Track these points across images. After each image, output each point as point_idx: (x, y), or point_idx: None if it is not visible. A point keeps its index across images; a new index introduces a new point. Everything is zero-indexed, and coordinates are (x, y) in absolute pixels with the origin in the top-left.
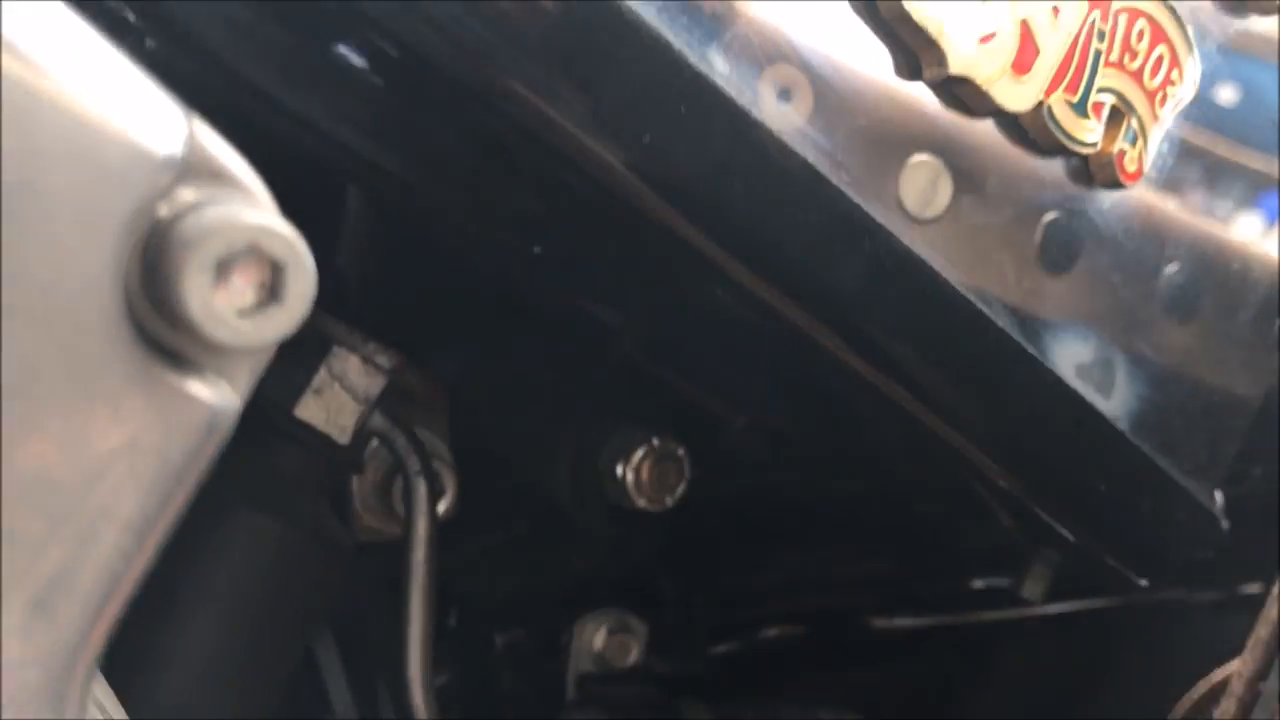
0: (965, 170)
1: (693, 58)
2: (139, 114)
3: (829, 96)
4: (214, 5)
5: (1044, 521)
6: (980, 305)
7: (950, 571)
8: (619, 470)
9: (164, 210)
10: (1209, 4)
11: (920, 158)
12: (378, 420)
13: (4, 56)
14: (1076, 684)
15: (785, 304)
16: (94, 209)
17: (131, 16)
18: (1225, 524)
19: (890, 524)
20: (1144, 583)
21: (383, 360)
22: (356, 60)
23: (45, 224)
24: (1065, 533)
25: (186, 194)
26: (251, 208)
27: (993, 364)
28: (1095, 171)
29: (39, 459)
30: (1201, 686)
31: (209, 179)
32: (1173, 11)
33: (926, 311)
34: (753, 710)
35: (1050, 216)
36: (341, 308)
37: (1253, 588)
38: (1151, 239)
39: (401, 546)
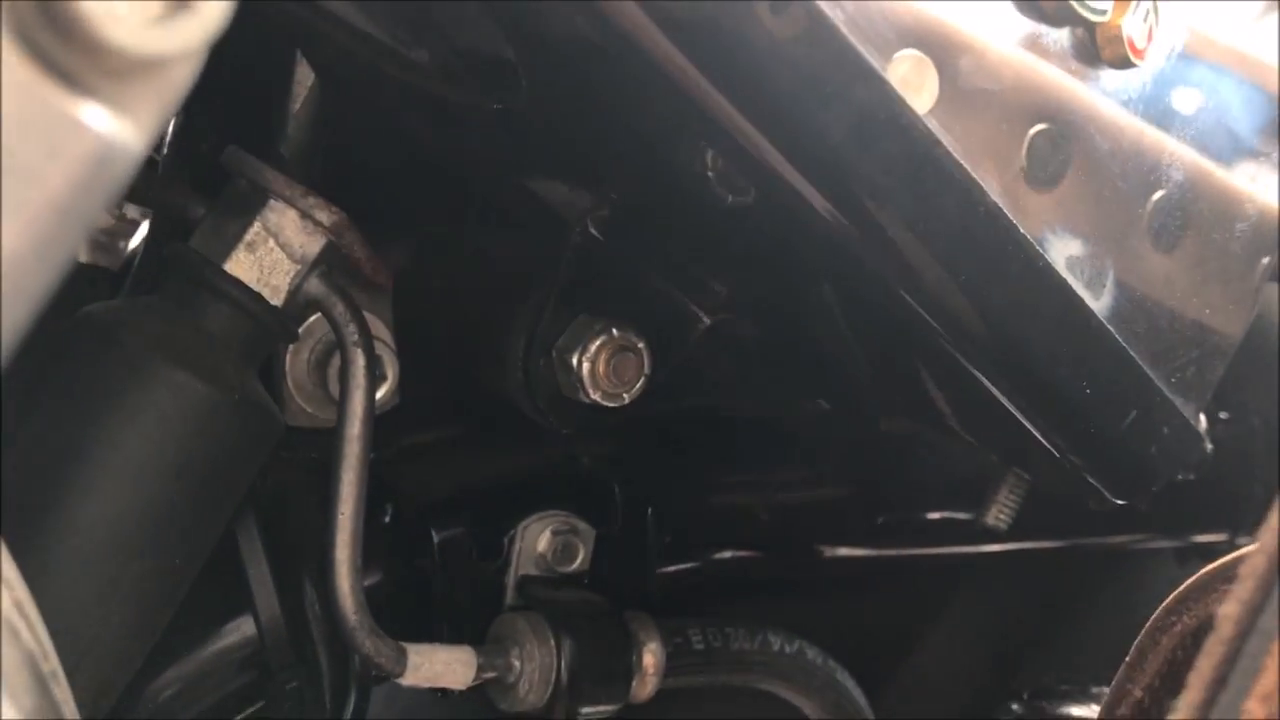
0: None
1: None
2: None
3: None
4: None
5: (1021, 432)
6: (974, 175)
7: (910, 503)
8: (574, 360)
9: None
10: None
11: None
12: (314, 284)
13: None
14: (1034, 626)
15: (764, 158)
16: None
17: None
18: (1209, 446)
19: (853, 447)
20: (1120, 502)
21: (322, 216)
22: None
23: None
24: (1046, 441)
25: None
26: None
27: (980, 239)
28: (1103, 44)
29: None
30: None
31: None
32: None
33: (914, 174)
34: (699, 625)
35: (1039, 128)
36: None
37: (1216, 537)
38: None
39: (335, 425)
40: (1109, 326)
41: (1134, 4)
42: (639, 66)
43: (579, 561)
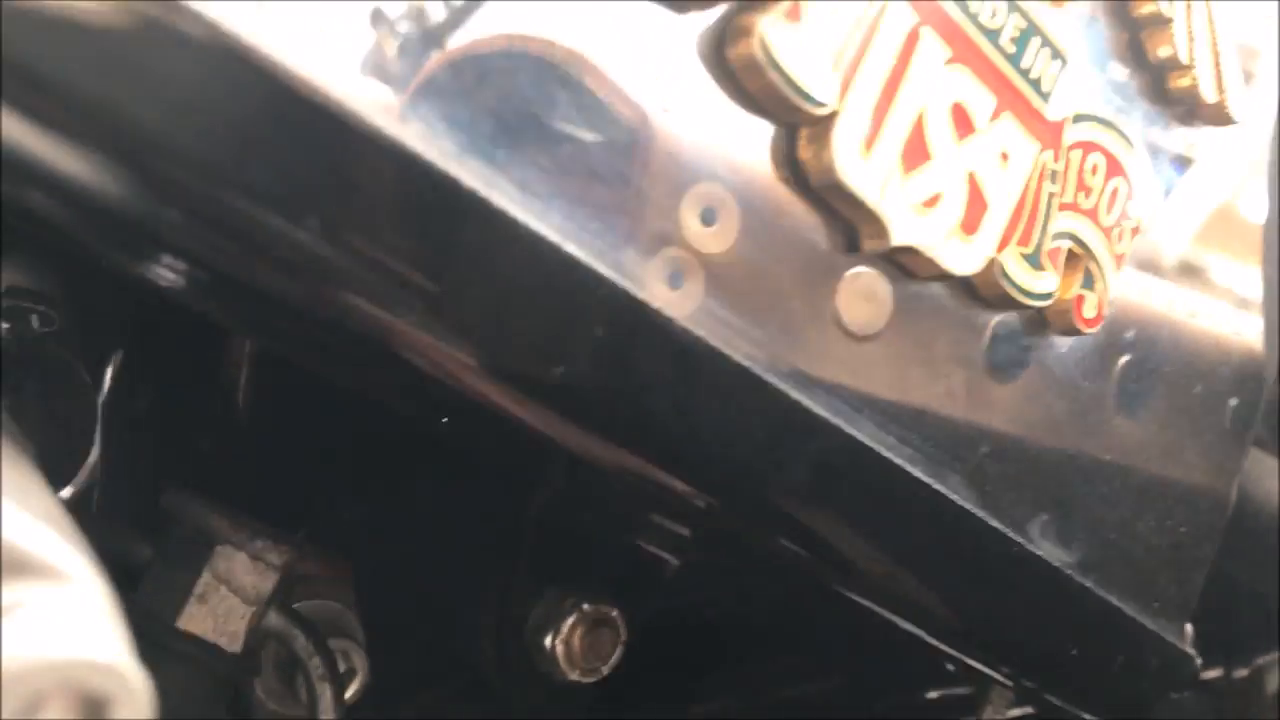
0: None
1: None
2: None
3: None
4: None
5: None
6: (921, 475)
7: (902, 685)
8: (548, 642)
9: None
10: (1160, 118)
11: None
12: (272, 619)
13: None
14: None
15: (695, 496)
16: None
17: None
18: (1199, 661)
19: (836, 643)
20: None
21: (273, 557)
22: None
23: None
24: (1039, 696)
25: None
26: (66, 619)
27: (941, 534)
28: (1052, 319)
29: None
30: None
31: (14, 573)
32: (1125, 138)
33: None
34: None
35: (998, 319)
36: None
37: (1213, 673)
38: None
39: None
40: (1086, 584)
41: (1080, 274)
42: None
43: None
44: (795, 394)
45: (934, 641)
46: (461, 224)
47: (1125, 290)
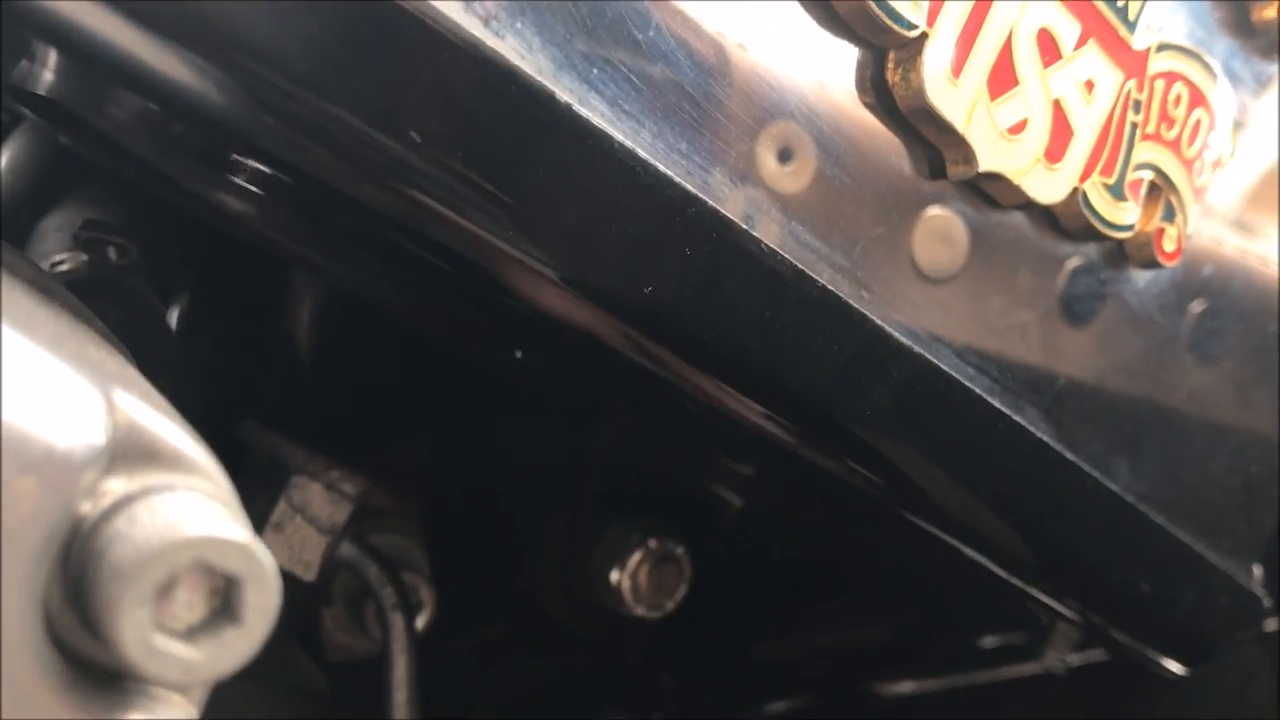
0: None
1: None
2: (50, 406)
3: (834, 153)
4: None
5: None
6: (999, 404)
7: (960, 631)
8: (614, 577)
9: (87, 508)
10: (1241, 51)
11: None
12: (346, 549)
13: None
14: None
15: (773, 422)
16: (9, 526)
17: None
18: (1268, 602)
19: (896, 590)
20: (1183, 670)
21: (348, 488)
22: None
23: None
24: (1101, 629)
25: (116, 485)
26: (199, 499)
27: (1018, 466)
28: (1132, 253)
29: None
30: None
31: (142, 462)
32: (1209, 69)
33: (937, 416)
34: None
35: (1075, 263)
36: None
37: (1271, 625)
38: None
39: (380, 685)
40: (1157, 519)
41: (1160, 206)
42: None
43: None
44: (877, 319)
45: (1006, 575)
46: (554, 138)
47: (1201, 232)
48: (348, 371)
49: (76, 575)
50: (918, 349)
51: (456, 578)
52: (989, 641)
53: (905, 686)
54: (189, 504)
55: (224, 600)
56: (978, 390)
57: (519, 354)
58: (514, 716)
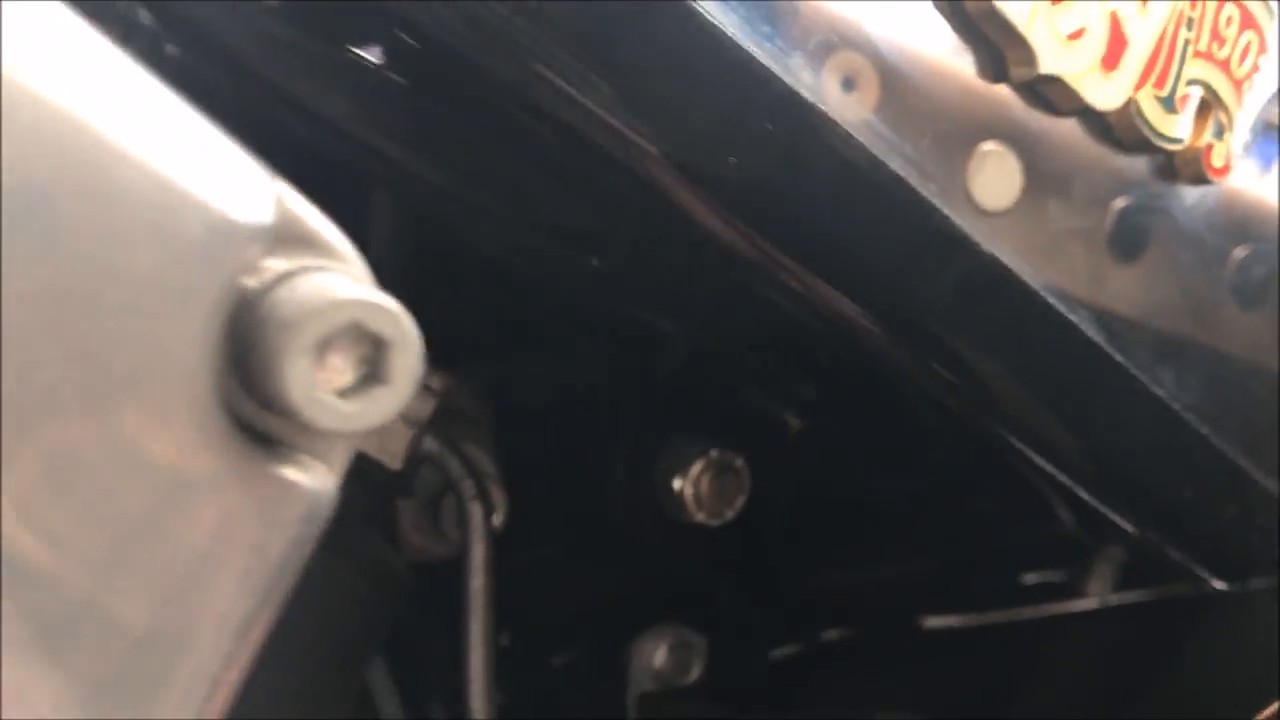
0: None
1: (748, 46)
2: (223, 182)
3: (895, 85)
4: (233, 5)
5: (1117, 523)
6: (1054, 301)
7: (1003, 567)
8: (676, 484)
9: (252, 282)
10: None
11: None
12: (429, 443)
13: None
14: (1139, 678)
15: (842, 304)
16: (181, 290)
17: (146, 19)
18: None
19: (944, 521)
20: (1222, 585)
21: (433, 382)
22: (381, 59)
23: (131, 308)
24: (1147, 538)
25: (276, 264)
26: (347, 279)
27: (1070, 365)
28: (1181, 167)
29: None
30: None
31: (298, 246)
32: None
33: (996, 309)
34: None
35: (1122, 203)
36: None
37: None
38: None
39: (459, 573)
40: (1202, 430)
41: (1209, 123)
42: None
43: (695, 673)
44: (944, 209)
45: (1062, 477)
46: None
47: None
48: (421, 291)
49: (241, 338)
50: (982, 243)
51: (518, 495)
52: (1031, 578)
53: (950, 620)
54: (343, 280)
55: (371, 367)
56: (1034, 285)
57: (595, 261)
58: (574, 626)
